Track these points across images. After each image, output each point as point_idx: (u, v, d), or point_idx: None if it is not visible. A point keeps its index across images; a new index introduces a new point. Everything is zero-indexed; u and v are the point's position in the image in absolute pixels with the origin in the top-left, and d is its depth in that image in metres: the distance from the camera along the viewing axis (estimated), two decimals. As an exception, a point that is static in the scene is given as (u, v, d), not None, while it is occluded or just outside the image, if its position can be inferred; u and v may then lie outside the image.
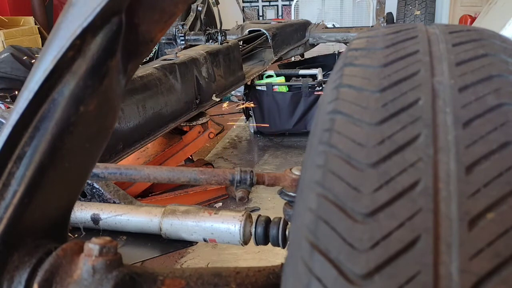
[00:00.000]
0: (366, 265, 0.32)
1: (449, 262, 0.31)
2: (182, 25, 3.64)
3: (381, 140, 0.40)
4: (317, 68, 3.59)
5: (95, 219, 1.03)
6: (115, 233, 1.04)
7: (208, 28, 3.19)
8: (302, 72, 3.58)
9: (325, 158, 0.41)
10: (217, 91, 2.66)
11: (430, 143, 0.38)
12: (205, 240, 0.99)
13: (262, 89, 3.31)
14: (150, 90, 2.06)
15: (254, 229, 0.93)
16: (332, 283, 0.32)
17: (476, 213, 0.33)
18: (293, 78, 3.51)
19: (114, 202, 1.27)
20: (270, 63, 3.52)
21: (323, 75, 3.47)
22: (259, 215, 0.96)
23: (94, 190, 1.29)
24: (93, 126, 0.50)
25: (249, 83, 3.27)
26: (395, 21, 4.94)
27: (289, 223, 0.91)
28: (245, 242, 0.96)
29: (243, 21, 4.66)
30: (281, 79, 3.46)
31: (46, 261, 0.48)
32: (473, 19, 5.33)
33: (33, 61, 3.29)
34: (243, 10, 5.43)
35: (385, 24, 4.16)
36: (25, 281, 0.47)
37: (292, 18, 6.42)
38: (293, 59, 4.58)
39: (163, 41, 3.82)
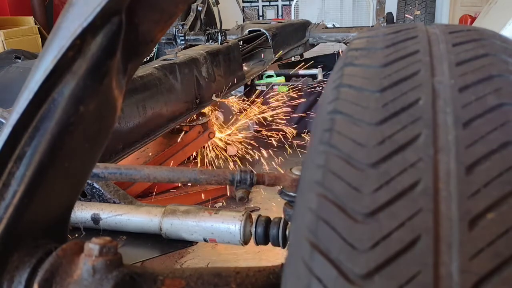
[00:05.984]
0: (366, 265, 0.32)
1: (450, 262, 0.31)
2: (182, 25, 3.64)
3: (382, 140, 0.40)
4: (317, 68, 3.58)
5: (95, 219, 1.03)
6: (115, 233, 1.04)
7: (208, 28, 3.19)
8: (302, 72, 3.58)
9: (325, 158, 0.41)
10: (217, 91, 2.66)
11: (430, 143, 0.38)
12: (205, 240, 0.99)
13: (262, 89, 3.31)
14: (150, 90, 2.06)
15: (254, 229, 0.93)
16: (332, 283, 0.32)
17: (476, 213, 0.33)
18: (293, 78, 3.51)
19: (114, 202, 1.27)
20: (270, 63, 3.52)
21: (323, 75, 3.46)
22: (259, 215, 0.96)
23: (94, 190, 1.29)
24: (93, 126, 0.50)
25: (249, 83, 3.26)
26: (395, 21, 4.93)
27: (289, 223, 0.90)
28: (245, 242, 0.96)
29: (243, 21, 4.66)
30: (281, 79, 3.46)
31: (46, 261, 0.48)
32: (473, 19, 5.33)
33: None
34: (243, 10, 5.43)
35: (385, 24, 4.16)
36: (25, 281, 0.47)
37: (292, 18, 6.42)
38: (293, 59, 4.58)
39: (163, 41, 3.82)
